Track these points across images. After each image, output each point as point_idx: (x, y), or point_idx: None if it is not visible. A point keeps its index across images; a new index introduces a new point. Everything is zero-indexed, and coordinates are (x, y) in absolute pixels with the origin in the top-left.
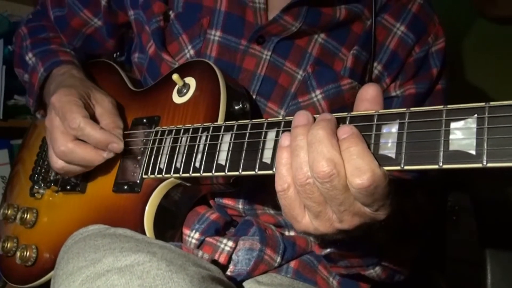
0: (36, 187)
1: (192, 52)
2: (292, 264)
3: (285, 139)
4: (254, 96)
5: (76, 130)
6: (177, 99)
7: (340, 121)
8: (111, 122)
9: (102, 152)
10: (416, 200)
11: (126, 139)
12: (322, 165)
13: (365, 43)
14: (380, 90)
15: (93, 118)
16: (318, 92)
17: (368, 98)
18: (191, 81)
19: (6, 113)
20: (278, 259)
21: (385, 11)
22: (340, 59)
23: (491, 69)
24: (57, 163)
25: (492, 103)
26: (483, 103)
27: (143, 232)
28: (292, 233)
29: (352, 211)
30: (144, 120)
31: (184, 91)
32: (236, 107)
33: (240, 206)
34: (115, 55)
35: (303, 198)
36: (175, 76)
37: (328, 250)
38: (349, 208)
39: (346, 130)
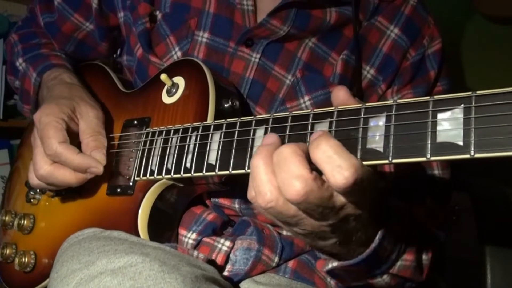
0: (32, 192)
1: (179, 53)
2: (290, 264)
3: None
4: (243, 99)
5: (53, 156)
6: (166, 99)
7: (327, 115)
8: (92, 141)
9: (81, 174)
10: (427, 206)
11: (118, 142)
12: (294, 185)
13: (355, 47)
14: (349, 91)
15: (76, 135)
16: (306, 98)
17: (340, 102)
18: (180, 80)
19: (6, 113)
20: (276, 259)
21: (378, 13)
22: (330, 63)
23: (491, 68)
24: (34, 181)
25: (478, 92)
26: (470, 93)
27: (138, 234)
28: (289, 233)
29: (334, 211)
30: (135, 122)
31: (173, 91)
32: (225, 105)
33: (237, 206)
34: (115, 55)
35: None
36: (163, 76)
37: (330, 266)
38: (332, 211)
39: (316, 134)
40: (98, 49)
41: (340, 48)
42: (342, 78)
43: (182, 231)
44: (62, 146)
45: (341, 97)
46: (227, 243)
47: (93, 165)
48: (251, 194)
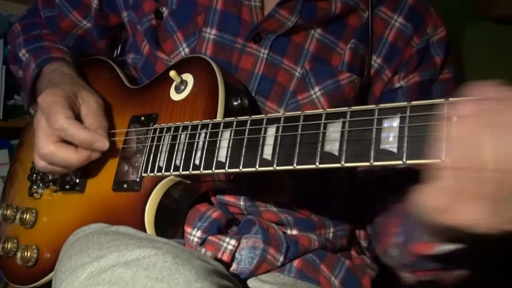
0: (34, 187)
1: (187, 50)
2: (295, 263)
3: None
4: (252, 96)
5: (60, 130)
6: (174, 96)
7: (340, 115)
8: (94, 122)
9: (87, 152)
10: None
11: (125, 137)
12: None
13: (362, 36)
14: None
15: (78, 118)
16: (317, 89)
17: None
18: (188, 77)
19: (6, 113)
20: (281, 259)
21: (381, 3)
22: (337, 53)
23: (491, 69)
24: (40, 163)
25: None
26: None
27: (144, 230)
28: (294, 232)
29: None
30: (142, 118)
31: (182, 88)
32: (234, 103)
33: (242, 203)
34: (115, 54)
35: (474, 187)
36: (172, 73)
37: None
38: None
39: None
40: (97, 45)
41: (346, 37)
42: (350, 66)
43: (187, 229)
44: (69, 121)
45: None
46: (233, 242)
47: (99, 139)
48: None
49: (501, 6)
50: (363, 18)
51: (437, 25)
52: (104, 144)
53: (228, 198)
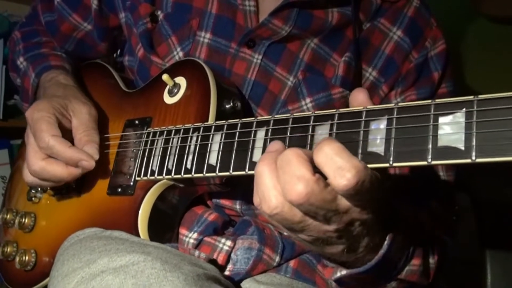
0: (33, 191)
1: (181, 54)
2: (292, 263)
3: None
4: (245, 100)
5: (45, 149)
6: (168, 99)
7: (328, 118)
8: (84, 136)
9: (74, 169)
10: (432, 209)
11: (119, 141)
12: (296, 186)
13: (357, 48)
14: (367, 94)
15: (69, 131)
16: (308, 100)
17: (358, 103)
18: (181, 81)
19: (6, 113)
20: (277, 259)
21: (381, 15)
22: (331, 65)
23: (491, 69)
24: (28, 178)
25: (480, 96)
26: (472, 97)
27: (138, 235)
28: (296, 240)
29: (339, 214)
30: (136, 122)
31: (175, 91)
32: (227, 106)
33: (238, 207)
34: (115, 55)
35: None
36: (165, 77)
37: (339, 274)
38: (336, 214)
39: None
40: (98, 48)
41: (341, 49)
42: (343, 80)
43: (183, 231)
44: (54, 139)
45: (360, 99)
46: (228, 242)
47: (84, 158)
48: (256, 200)
49: (501, 6)
50: (361, 30)
51: (437, 38)
52: (89, 164)
53: (224, 202)
